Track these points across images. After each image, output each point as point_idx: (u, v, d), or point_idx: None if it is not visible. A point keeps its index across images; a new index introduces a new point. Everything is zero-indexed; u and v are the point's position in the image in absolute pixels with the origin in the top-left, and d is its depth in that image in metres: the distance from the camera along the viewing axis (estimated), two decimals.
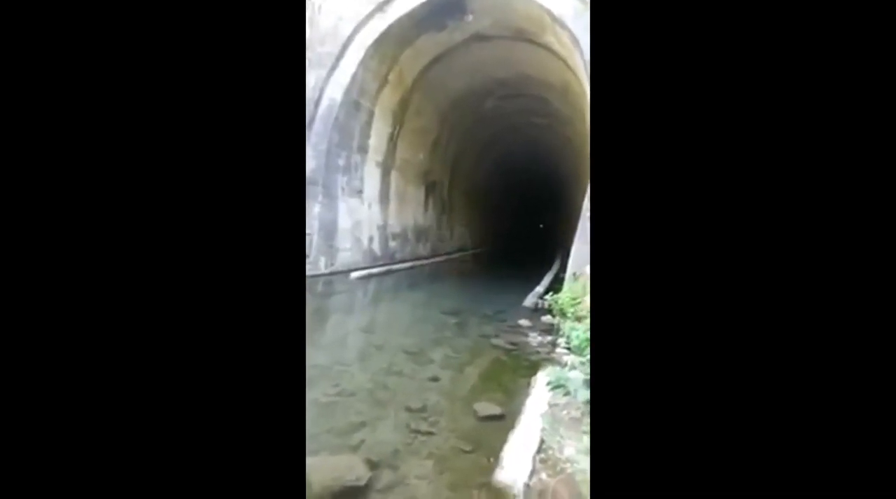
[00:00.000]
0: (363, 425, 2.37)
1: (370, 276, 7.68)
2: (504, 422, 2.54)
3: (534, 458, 2.10)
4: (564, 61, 7.32)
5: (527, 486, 1.88)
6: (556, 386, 2.61)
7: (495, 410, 2.65)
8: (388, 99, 8.50)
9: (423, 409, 2.60)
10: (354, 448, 2.14)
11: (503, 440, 2.30)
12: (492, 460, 2.12)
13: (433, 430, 2.37)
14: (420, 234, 11.06)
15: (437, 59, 8.63)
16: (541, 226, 25.44)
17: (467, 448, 2.21)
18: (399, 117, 9.13)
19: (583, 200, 8.84)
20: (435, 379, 3.14)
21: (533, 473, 1.97)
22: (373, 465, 2.01)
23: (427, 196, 11.53)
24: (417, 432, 2.34)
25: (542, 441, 2.26)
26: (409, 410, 2.59)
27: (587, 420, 2.40)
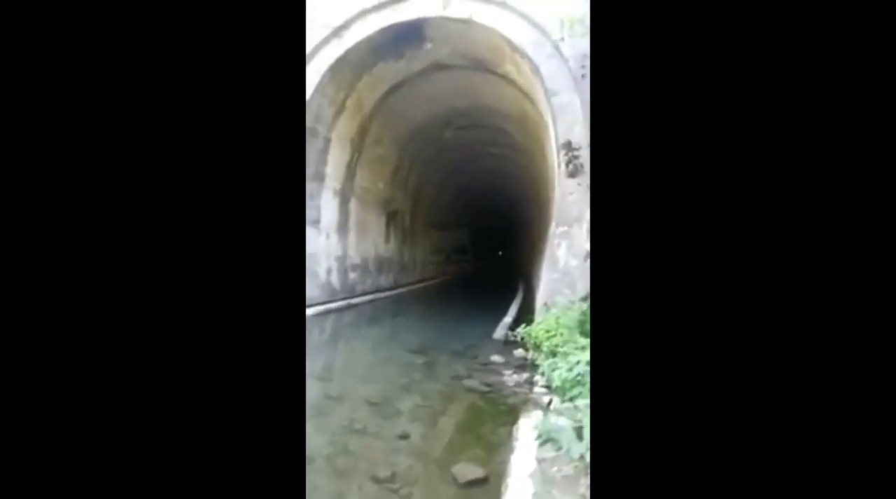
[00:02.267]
0: None
1: (328, 311, 7.15)
2: (488, 487, 2.18)
3: None
4: (523, 91, 7.39)
5: None
6: (546, 440, 2.29)
7: (477, 472, 2.28)
8: (346, 126, 8.22)
9: (392, 478, 2.19)
10: None
11: None
12: None
13: None
14: (381, 264, 10.63)
15: (395, 88, 8.51)
16: (500, 253, 25.64)
17: None
18: (357, 145, 8.85)
19: (543, 227, 8.89)
20: (404, 436, 2.73)
21: None
22: None
23: (388, 225, 11.19)
24: None
25: None
26: (376, 480, 2.17)
27: (584, 480, 2.09)
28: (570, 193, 5.01)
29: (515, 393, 3.66)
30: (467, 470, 2.31)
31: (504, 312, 7.55)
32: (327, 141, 7.86)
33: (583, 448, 2.17)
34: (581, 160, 5.13)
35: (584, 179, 5.03)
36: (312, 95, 6.89)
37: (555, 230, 5.12)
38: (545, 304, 4.94)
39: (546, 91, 5.64)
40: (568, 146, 5.35)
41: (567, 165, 5.18)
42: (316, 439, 2.66)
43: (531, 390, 3.72)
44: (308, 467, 2.25)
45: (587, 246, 4.73)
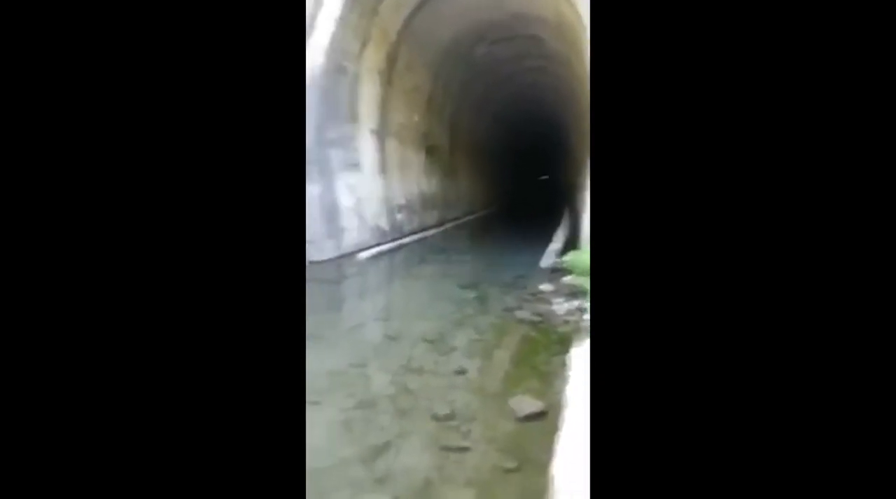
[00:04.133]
0: (387, 446, 2.05)
1: (380, 253, 7.32)
2: (548, 421, 2.21)
3: None
4: None
5: None
6: None
7: (535, 405, 2.31)
8: (373, 58, 7.78)
9: (451, 415, 2.28)
10: (380, 482, 1.83)
11: (551, 447, 1.97)
12: (543, 479, 1.80)
13: (467, 443, 2.05)
14: (426, 202, 10.57)
15: (420, 6, 7.81)
16: (544, 177, 24.56)
17: (511, 465, 1.89)
18: (387, 77, 8.41)
19: (587, 144, 8.25)
20: (461, 371, 2.81)
21: None
22: None
23: (428, 161, 10.93)
24: (449, 448, 2.02)
25: None
26: (436, 418, 2.26)
27: None
28: None
29: (567, 322, 3.62)
30: (525, 403, 2.34)
31: (550, 239, 7.36)
32: (356, 77, 7.52)
33: None
34: None
35: None
36: (336, 29, 6.48)
37: None
38: None
39: None
40: None
41: None
42: (377, 380, 2.81)
43: (582, 318, 3.65)
44: (372, 409, 2.39)
45: None
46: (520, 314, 3.88)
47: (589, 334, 3.28)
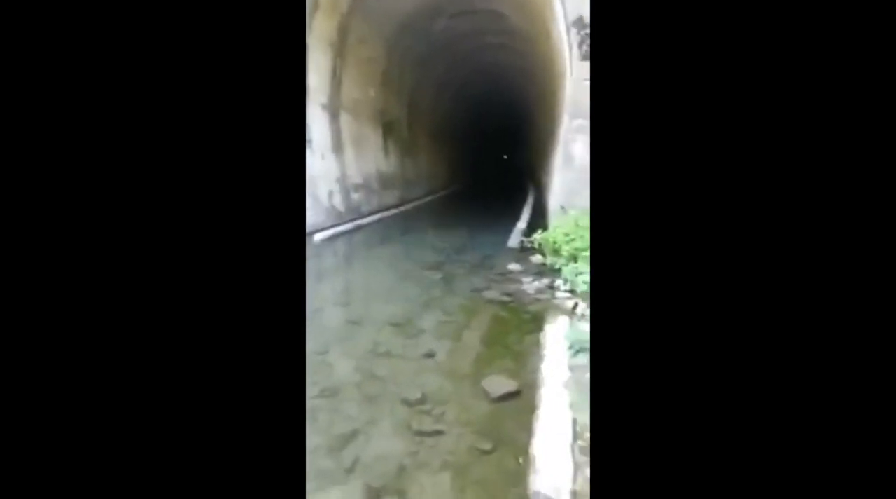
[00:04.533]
0: (355, 434, 1.91)
1: (336, 235, 7.01)
2: (522, 401, 2.14)
3: (572, 448, 1.71)
4: None
5: (574, 495, 1.49)
6: (579, 349, 2.19)
7: (509, 385, 2.23)
8: (324, 27, 7.28)
9: (423, 399, 2.16)
10: (348, 471, 1.69)
11: (528, 428, 1.90)
12: (521, 459, 1.72)
13: (440, 427, 1.94)
14: (385, 181, 10.24)
15: None
16: (505, 157, 24.67)
17: (487, 447, 1.80)
18: (339, 48, 7.93)
19: (552, 124, 8.24)
20: (430, 355, 2.69)
21: (577, 472, 1.58)
22: (374, 494, 1.57)
23: (386, 138, 10.55)
24: (422, 433, 1.91)
25: (576, 421, 1.88)
26: (407, 403, 2.14)
27: None
28: (586, 79, 4.44)
29: (538, 300, 3.59)
30: (498, 383, 2.26)
31: (516, 219, 7.36)
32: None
33: None
34: None
35: None
36: None
37: (569, 124, 4.64)
38: (562, 206, 4.68)
39: None
40: (580, 23, 4.64)
41: (580, 46, 4.53)
42: (341, 367, 2.63)
43: (553, 296, 3.64)
44: (336, 399, 2.22)
45: None
46: (488, 294, 3.80)
47: (565, 314, 3.25)
